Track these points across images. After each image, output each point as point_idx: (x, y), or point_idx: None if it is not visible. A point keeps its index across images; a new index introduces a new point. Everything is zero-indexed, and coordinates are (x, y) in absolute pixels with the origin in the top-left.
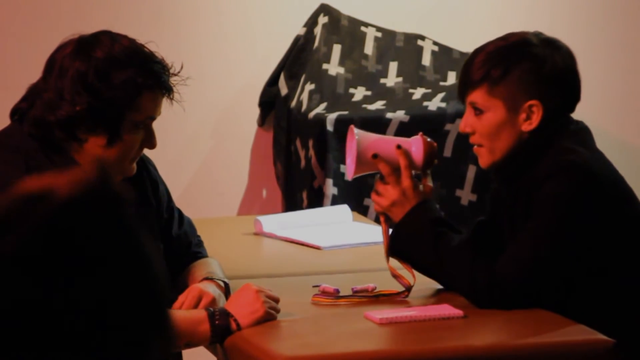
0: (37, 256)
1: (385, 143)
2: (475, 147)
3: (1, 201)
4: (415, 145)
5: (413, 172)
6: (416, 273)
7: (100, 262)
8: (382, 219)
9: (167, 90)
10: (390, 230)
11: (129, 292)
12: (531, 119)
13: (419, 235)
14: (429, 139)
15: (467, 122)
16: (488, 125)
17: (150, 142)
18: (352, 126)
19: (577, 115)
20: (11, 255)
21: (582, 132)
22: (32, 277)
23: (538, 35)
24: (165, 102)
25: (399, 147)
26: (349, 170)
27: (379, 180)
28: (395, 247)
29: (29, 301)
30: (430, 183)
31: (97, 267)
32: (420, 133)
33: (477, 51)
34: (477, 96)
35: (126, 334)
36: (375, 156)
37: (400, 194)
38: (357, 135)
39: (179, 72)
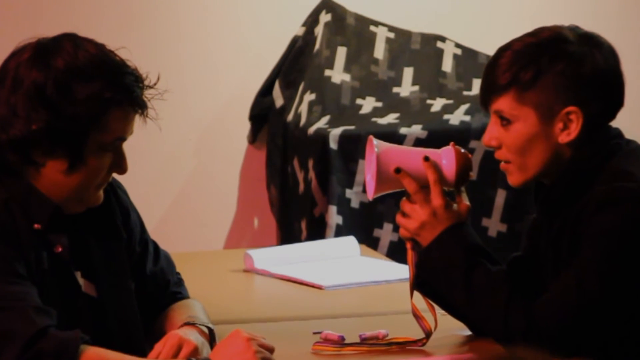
0: None
1: (411, 155)
2: (503, 163)
3: None
4: (446, 157)
5: (445, 188)
6: (439, 318)
7: None
8: (408, 245)
9: (141, 107)
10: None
11: None
12: (569, 128)
13: (449, 264)
14: (462, 150)
15: (492, 135)
16: (517, 138)
17: (120, 167)
18: (371, 137)
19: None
20: None
21: (637, 152)
22: None
23: (574, 29)
24: (138, 119)
25: (426, 159)
26: (369, 188)
27: (405, 199)
28: (420, 277)
29: None
30: (466, 201)
31: None
32: (452, 143)
33: (503, 50)
34: (504, 104)
35: None
36: (398, 170)
37: (430, 215)
38: (376, 147)
39: (155, 84)
